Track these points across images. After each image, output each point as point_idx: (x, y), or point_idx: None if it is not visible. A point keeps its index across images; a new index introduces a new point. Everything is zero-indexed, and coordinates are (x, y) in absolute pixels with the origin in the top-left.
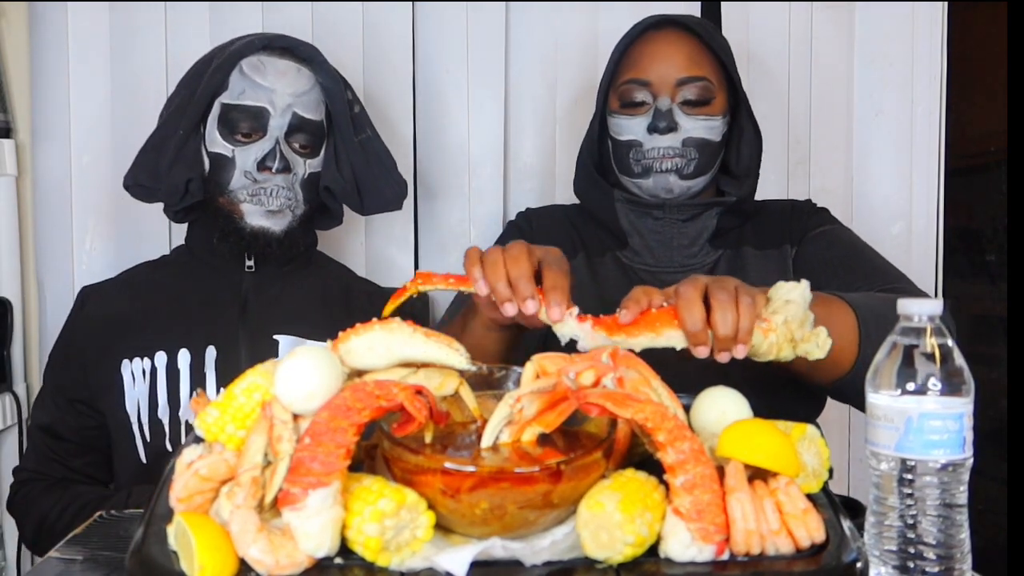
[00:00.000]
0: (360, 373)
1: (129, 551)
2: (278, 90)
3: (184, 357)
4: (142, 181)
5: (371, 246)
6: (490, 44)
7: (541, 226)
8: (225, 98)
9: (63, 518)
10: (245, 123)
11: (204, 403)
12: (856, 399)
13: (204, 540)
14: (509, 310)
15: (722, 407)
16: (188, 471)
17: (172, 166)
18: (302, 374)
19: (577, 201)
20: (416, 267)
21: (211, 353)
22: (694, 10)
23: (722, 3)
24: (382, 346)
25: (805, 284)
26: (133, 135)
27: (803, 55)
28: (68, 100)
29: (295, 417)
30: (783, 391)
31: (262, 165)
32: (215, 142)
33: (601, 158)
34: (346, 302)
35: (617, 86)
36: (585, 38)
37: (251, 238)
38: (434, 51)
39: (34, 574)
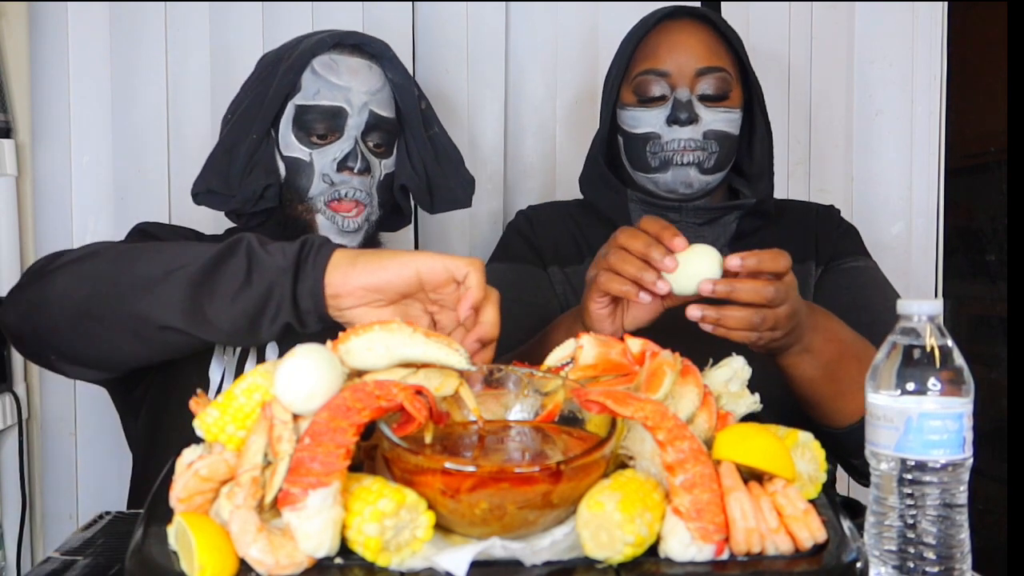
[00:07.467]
0: (360, 373)
1: (129, 551)
2: (354, 88)
3: (272, 350)
4: (215, 188)
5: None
6: (490, 44)
7: (542, 226)
8: (299, 99)
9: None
10: (321, 124)
11: (204, 403)
12: (856, 452)
13: (204, 540)
14: (661, 287)
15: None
16: (188, 471)
17: (247, 172)
18: (302, 374)
19: (579, 196)
20: None
21: None
22: None
23: (722, 2)
24: (382, 346)
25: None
26: (133, 135)
27: (803, 55)
28: (68, 100)
29: (295, 417)
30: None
31: (343, 165)
32: (290, 146)
33: (611, 155)
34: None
35: (631, 78)
36: (586, 38)
37: None
38: (434, 51)
39: (34, 574)
